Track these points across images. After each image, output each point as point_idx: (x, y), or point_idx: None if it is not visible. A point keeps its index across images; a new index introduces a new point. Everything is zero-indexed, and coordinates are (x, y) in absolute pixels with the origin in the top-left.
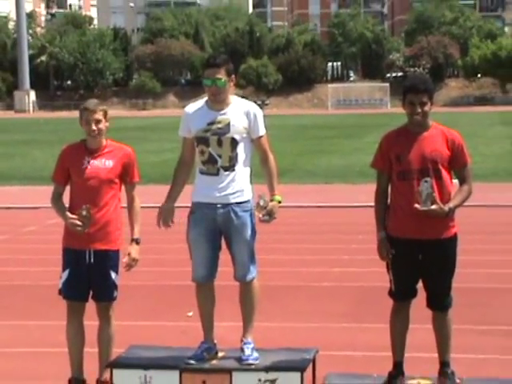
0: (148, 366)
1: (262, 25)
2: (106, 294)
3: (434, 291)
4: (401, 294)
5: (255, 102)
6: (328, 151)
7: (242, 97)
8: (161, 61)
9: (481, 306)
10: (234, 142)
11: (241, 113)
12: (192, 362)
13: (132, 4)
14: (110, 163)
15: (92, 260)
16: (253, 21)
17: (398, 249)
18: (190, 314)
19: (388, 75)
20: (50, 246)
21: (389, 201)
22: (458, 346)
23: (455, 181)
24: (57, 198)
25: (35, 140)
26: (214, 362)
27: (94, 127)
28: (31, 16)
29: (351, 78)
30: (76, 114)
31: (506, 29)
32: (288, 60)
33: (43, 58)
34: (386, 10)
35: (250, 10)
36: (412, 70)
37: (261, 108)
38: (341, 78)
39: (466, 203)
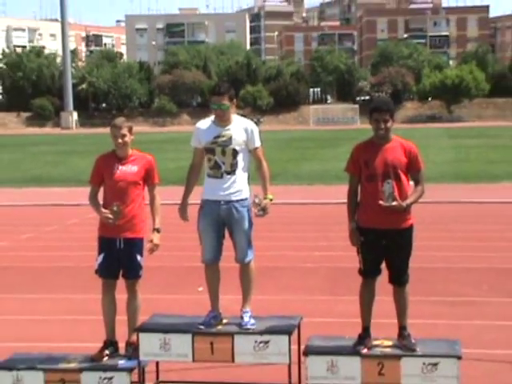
0: (167, 330)
1: (257, 58)
2: (133, 272)
3: (395, 270)
4: (368, 273)
5: (252, 120)
6: (310, 159)
7: (242, 115)
8: (177, 87)
9: (431, 281)
10: (234, 152)
11: (241, 129)
12: (202, 327)
13: (154, 42)
14: (135, 168)
15: (122, 246)
16: (250, 55)
17: (366, 236)
18: (200, 289)
19: (357, 98)
20: (88, 235)
21: (358, 198)
22: (413, 313)
23: (411, 183)
24: (93, 197)
25: (76, 151)
26: (220, 327)
27: (120, 140)
28: (74, 52)
29: (328, 101)
30: (109, 130)
31: (451, 62)
32: (278, 86)
33: (83, 85)
34: (356, 47)
35: (248, 46)
36: (376, 94)
37: (257, 125)
38: (320, 100)
39: (420, 200)
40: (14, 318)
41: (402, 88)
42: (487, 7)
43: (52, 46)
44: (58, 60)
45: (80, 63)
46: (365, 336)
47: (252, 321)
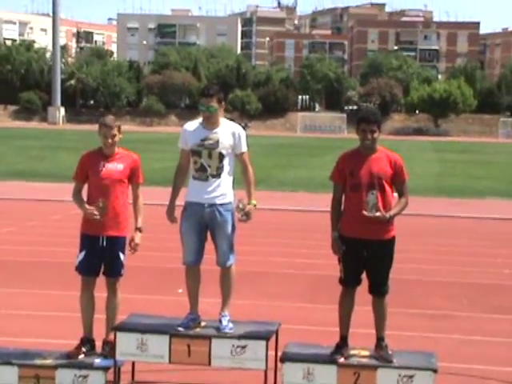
0: (144, 330)
1: (248, 63)
2: (115, 271)
3: (375, 281)
4: (348, 282)
5: (240, 124)
6: (296, 166)
7: (230, 119)
8: (165, 88)
9: (410, 293)
10: (221, 156)
11: (228, 133)
12: (180, 328)
13: (145, 42)
14: (120, 166)
15: (105, 244)
16: (240, 60)
17: (348, 246)
18: (180, 290)
19: (345, 108)
20: (71, 231)
21: (342, 207)
22: (392, 324)
23: (395, 194)
24: (77, 193)
25: (62, 146)
26: (198, 329)
27: (109, 140)
28: (64, 48)
29: (316, 109)
30: (96, 127)
31: (439, 76)
32: (267, 92)
33: (72, 81)
34: (346, 57)
35: (239, 51)
36: (364, 104)
37: (244, 129)
38: (308, 108)
39: (403, 212)
40: None
41: (390, 99)
42: (478, 24)
43: (42, 41)
44: (48, 55)
45: (70, 59)
46: (342, 345)
47: (230, 325)
